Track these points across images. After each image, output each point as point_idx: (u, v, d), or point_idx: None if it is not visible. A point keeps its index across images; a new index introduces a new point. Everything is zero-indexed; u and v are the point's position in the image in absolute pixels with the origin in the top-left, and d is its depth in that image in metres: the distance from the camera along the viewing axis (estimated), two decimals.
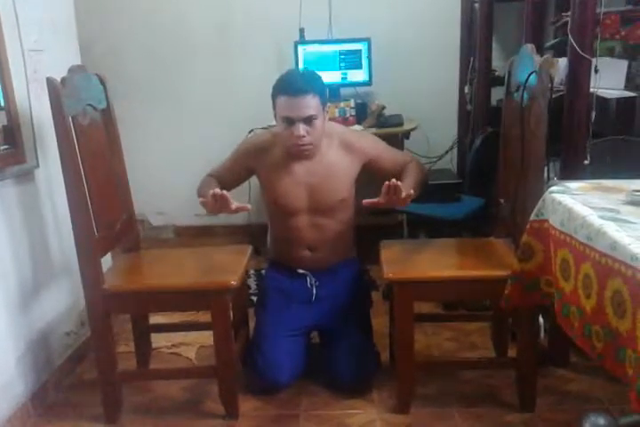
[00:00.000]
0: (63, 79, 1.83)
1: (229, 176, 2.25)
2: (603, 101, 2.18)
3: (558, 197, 1.52)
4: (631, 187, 1.53)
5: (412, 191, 1.90)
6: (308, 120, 2.02)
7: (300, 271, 2.23)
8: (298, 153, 2.11)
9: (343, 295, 2.21)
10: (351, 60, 3.48)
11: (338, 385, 2.14)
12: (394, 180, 1.87)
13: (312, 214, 2.17)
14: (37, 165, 2.17)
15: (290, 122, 2.03)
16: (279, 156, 2.16)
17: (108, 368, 1.98)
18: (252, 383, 2.15)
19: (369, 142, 2.23)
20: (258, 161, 2.19)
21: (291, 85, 2.02)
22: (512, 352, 2.15)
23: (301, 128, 2.02)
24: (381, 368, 2.19)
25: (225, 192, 1.89)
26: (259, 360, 2.10)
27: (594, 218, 1.31)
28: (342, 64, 3.48)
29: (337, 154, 2.16)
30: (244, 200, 3.26)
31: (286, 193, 2.15)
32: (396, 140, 3.20)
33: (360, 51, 3.47)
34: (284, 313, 2.19)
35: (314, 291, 2.21)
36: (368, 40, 3.45)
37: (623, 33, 2.18)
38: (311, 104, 2.01)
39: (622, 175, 1.73)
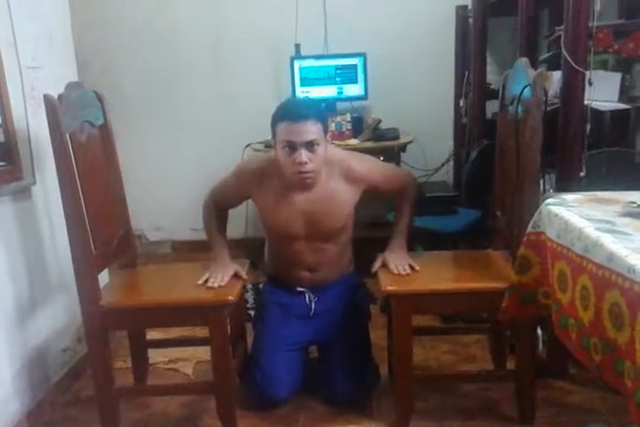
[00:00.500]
0: (60, 96, 1.83)
1: (230, 197, 2.24)
2: (597, 114, 2.20)
3: (554, 209, 1.52)
4: (627, 198, 1.53)
5: (417, 268, 2.04)
6: (310, 145, 1.97)
7: (299, 289, 2.23)
8: (299, 181, 2.05)
9: (341, 309, 2.21)
10: (347, 75, 3.50)
11: (336, 400, 2.13)
12: (407, 269, 2.03)
13: (311, 240, 2.14)
14: (34, 182, 2.17)
15: (292, 147, 1.97)
16: (277, 182, 2.11)
17: (105, 385, 1.96)
18: (249, 399, 2.14)
19: (369, 168, 2.17)
20: (254, 187, 2.14)
21: (292, 111, 1.99)
22: (511, 364, 2.14)
23: (303, 154, 1.96)
24: (380, 382, 2.18)
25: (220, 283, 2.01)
26: (257, 375, 2.09)
27: (590, 230, 1.31)
28: (338, 79, 3.50)
29: (338, 183, 2.11)
30: (240, 215, 3.34)
31: (285, 221, 2.12)
32: (393, 154, 3.21)
33: (356, 65, 3.49)
34: (283, 328, 2.18)
35: (312, 306, 2.21)
36: (363, 55, 3.47)
37: (616, 46, 2.20)
38: (312, 130, 1.97)
39: (618, 187, 1.74)
